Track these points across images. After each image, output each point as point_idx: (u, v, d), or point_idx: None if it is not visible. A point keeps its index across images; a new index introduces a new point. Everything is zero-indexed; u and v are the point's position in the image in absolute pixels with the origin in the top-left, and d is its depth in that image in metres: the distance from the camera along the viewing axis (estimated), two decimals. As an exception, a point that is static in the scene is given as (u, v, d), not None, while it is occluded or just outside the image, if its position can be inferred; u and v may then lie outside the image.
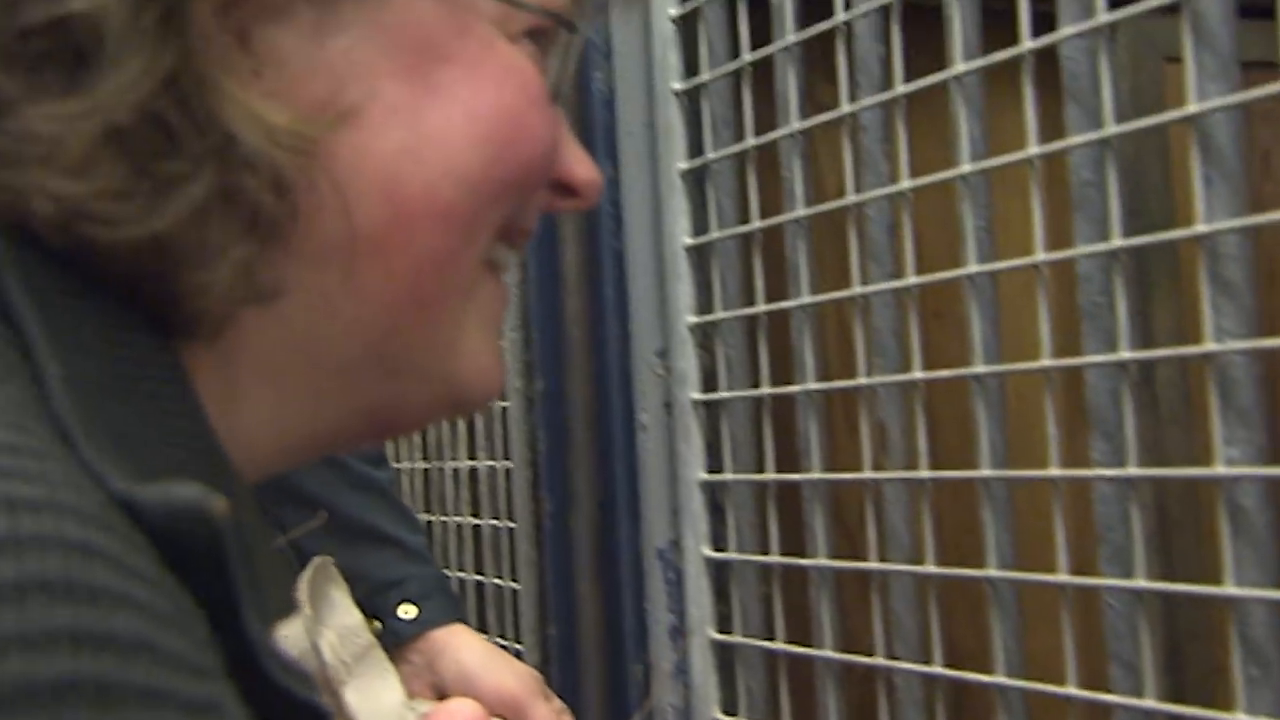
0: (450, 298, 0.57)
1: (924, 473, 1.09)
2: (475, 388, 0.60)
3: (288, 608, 0.57)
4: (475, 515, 1.77)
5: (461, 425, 1.81)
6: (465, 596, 1.78)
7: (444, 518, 1.85)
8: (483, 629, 1.73)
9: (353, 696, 0.88)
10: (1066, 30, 0.98)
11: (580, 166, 0.63)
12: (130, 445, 0.45)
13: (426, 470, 1.93)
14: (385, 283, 0.55)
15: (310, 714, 0.47)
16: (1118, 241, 0.93)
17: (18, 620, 0.34)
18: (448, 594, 1.11)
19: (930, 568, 1.08)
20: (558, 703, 1.03)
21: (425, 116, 0.54)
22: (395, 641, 1.04)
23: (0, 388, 0.41)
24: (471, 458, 1.79)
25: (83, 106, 0.47)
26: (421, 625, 1.06)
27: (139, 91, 0.47)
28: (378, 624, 1.05)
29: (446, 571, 1.83)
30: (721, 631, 1.30)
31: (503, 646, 1.64)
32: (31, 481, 0.37)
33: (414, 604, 1.06)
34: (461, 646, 1.04)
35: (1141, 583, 0.92)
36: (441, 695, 1.03)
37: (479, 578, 1.74)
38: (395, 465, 2.03)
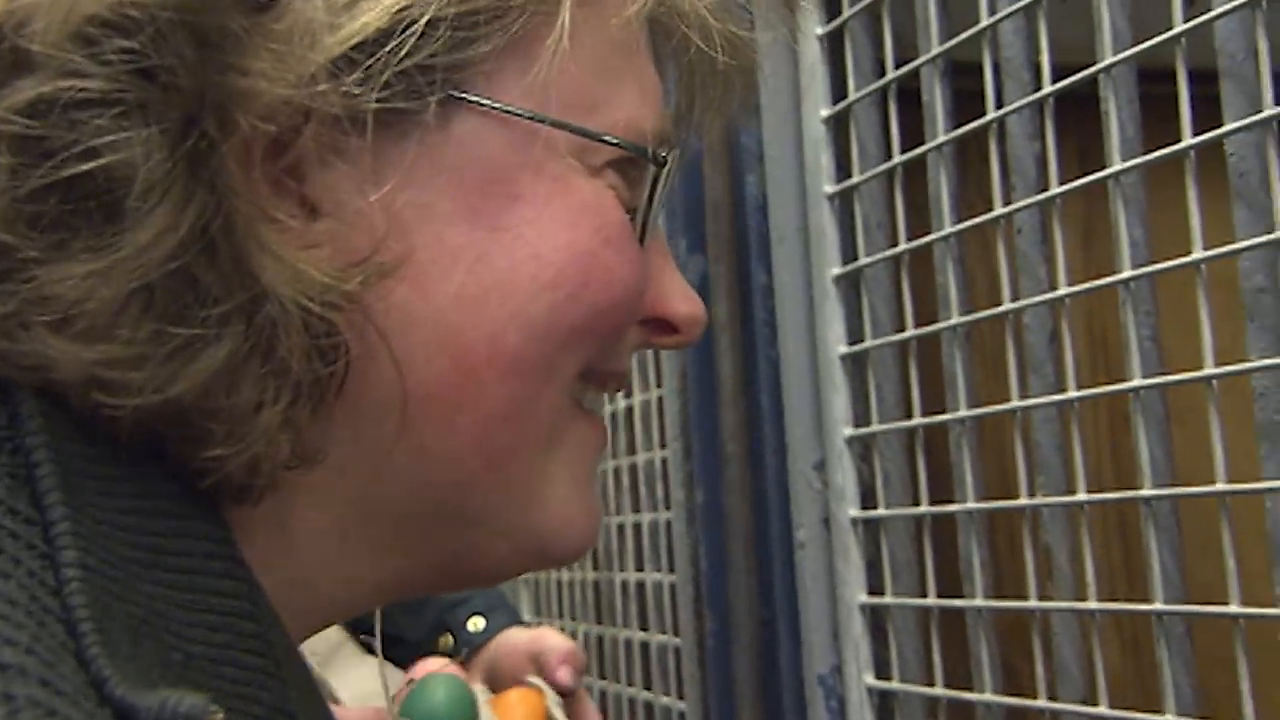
0: (525, 449, 0.52)
1: (1092, 604, 1.00)
2: (561, 540, 0.55)
3: None
4: (644, 630, 1.72)
5: (630, 537, 1.77)
6: (638, 714, 1.73)
7: (613, 630, 1.81)
8: (651, 749, 1.68)
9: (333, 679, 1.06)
10: (1231, 124, 0.90)
11: (678, 300, 0.57)
12: (157, 632, 0.42)
13: (596, 581, 1.89)
14: (448, 438, 0.51)
15: None
16: (1294, 354, 0.84)
17: None
18: (509, 606, 1.23)
19: (1103, 709, 0.99)
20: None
21: (489, 261, 0.50)
22: (469, 650, 1.17)
23: None
24: (639, 569, 1.75)
25: (102, 265, 0.44)
26: (489, 634, 1.18)
27: (164, 246, 0.43)
28: (450, 637, 1.18)
29: (616, 687, 1.79)
30: (887, 766, 1.22)
31: (670, 768, 1.59)
32: None
33: (482, 616, 1.19)
34: (516, 634, 1.18)
35: (1337, 738, 0.82)
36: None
37: (648, 695, 1.69)
38: (565, 573, 2.00)
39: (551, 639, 1.12)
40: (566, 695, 1.08)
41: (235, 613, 0.45)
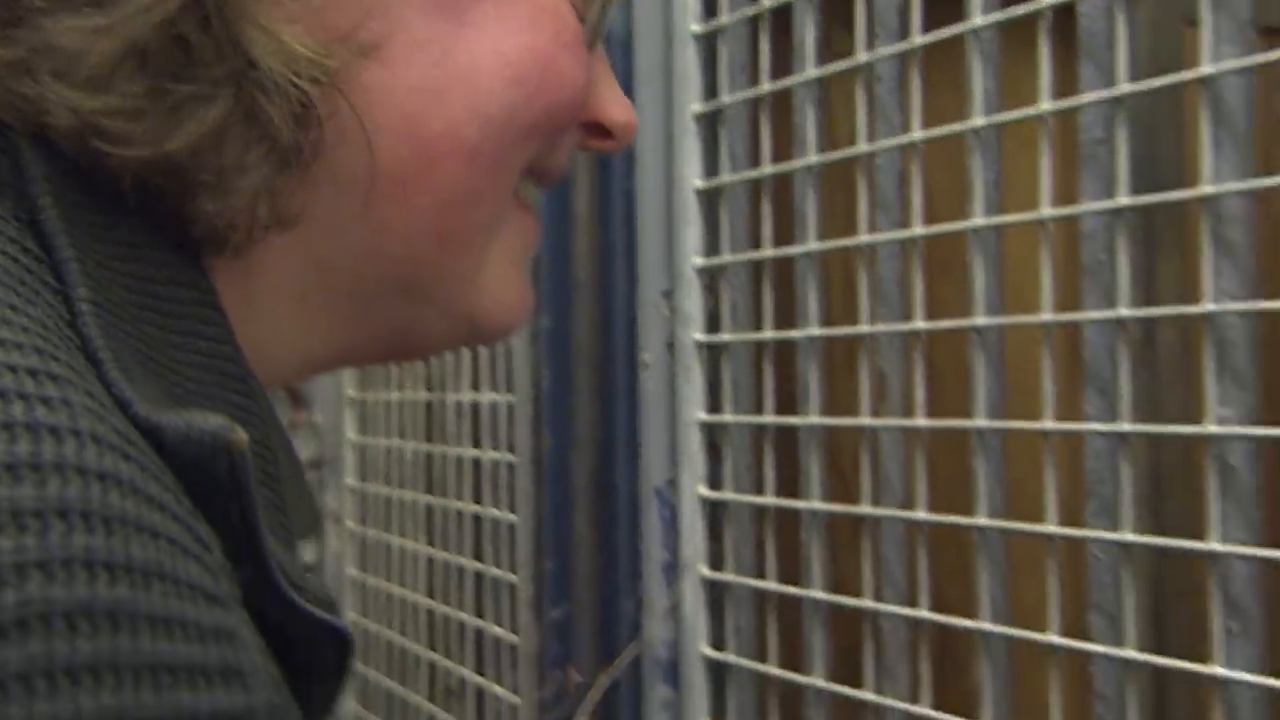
0: (474, 234, 0.58)
1: (920, 420, 1.10)
2: (496, 319, 0.61)
3: (312, 523, 0.58)
4: (476, 448, 1.78)
5: (466, 358, 1.83)
6: (464, 527, 1.81)
7: (445, 449, 1.87)
8: (478, 558, 1.75)
9: None
10: (1085, -12, 0.98)
11: (616, 108, 0.63)
12: (158, 368, 0.46)
13: (429, 402, 1.94)
14: (406, 218, 0.55)
15: (334, 636, 0.49)
16: (1123, 199, 0.94)
17: (36, 546, 0.35)
18: None
19: (921, 514, 1.10)
20: None
21: (453, 54, 0.54)
22: None
23: (28, 310, 0.42)
24: (474, 390, 1.80)
25: (105, 22, 0.47)
26: None
27: (162, 10, 0.47)
28: None
29: (443, 501, 1.86)
30: (714, 570, 1.32)
31: (496, 579, 1.67)
32: (54, 408, 0.38)
33: None
34: None
35: (1127, 535, 0.94)
36: None
37: (477, 509, 1.76)
38: (395, 394, 2.05)
39: None
40: None
41: (220, 355, 0.50)
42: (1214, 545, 0.88)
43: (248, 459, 0.42)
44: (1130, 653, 0.93)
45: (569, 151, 0.63)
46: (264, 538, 0.43)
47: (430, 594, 1.92)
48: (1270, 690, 0.86)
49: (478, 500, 1.77)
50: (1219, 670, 0.87)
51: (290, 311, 0.56)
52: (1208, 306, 0.89)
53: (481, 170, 0.56)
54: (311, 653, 0.48)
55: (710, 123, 1.37)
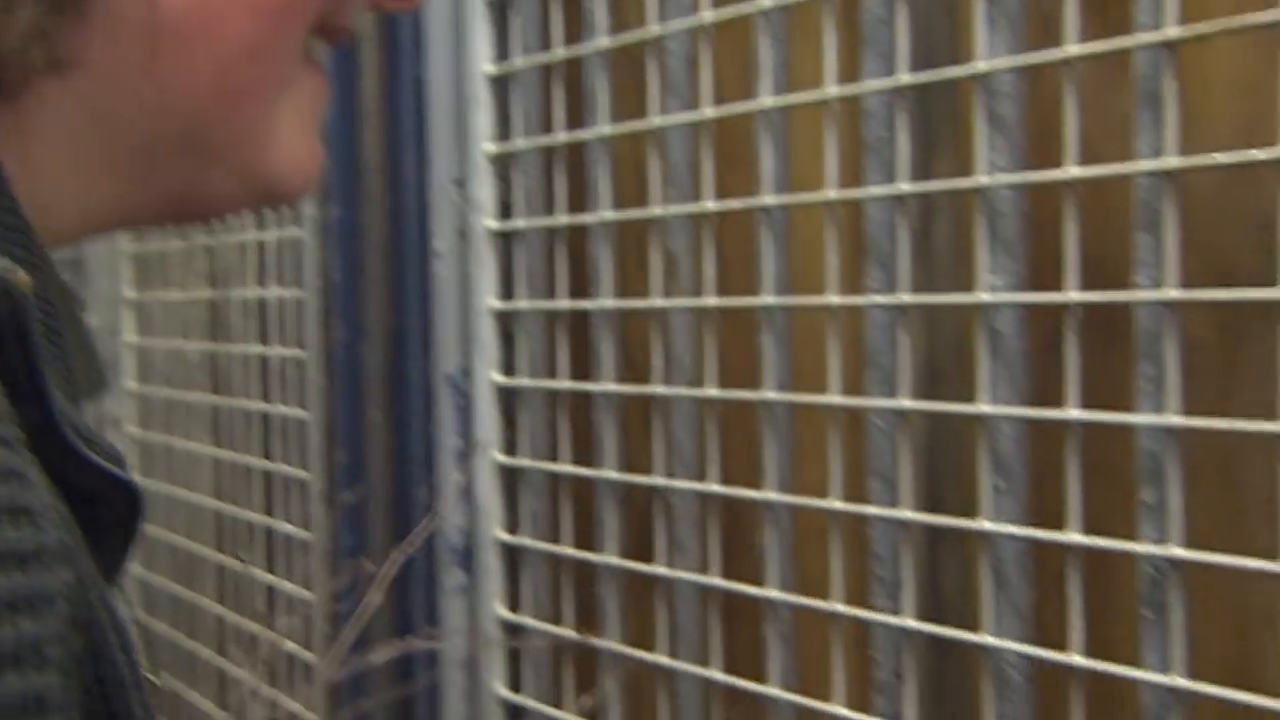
0: (261, 90, 0.56)
1: (710, 300, 1.13)
2: (287, 180, 0.59)
3: (97, 382, 0.57)
4: (264, 345, 1.75)
5: (251, 253, 1.78)
6: (252, 426, 1.77)
7: (230, 348, 1.82)
8: (268, 457, 1.72)
9: None
10: None
11: None
12: None
13: (213, 300, 1.89)
14: (188, 71, 0.54)
15: (117, 486, 0.47)
16: (904, 77, 0.97)
17: None
18: None
19: (711, 390, 1.13)
20: None
21: None
22: None
23: None
24: (260, 286, 1.76)
25: None
26: None
27: None
28: None
29: (232, 401, 1.81)
30: (507, 454, 1.33)
31: (286, 476, 1.64)
32: None
33: None
34: None
35: (904, 403, 0.98)
36: None
37: (266, 406, 1.73)
38: (178, 294, 1.99)
39: None
40: None
41: None
42: (983, 407, 0.92)
43: (29, 300, 0.41)
44: (906, 514, 0.98)
45: (358, 8, 0.62)
46: (47, 383, 0.42)
47: (218, 496, 1.88)
48: (1032, 542, 0.91)
49: (266, 398, 1.74)
50: (986, 525, 0.92)
51: (69, 165, 0.54)
52: (980, 180, 0.93)
53: (266, 23, 0.54)
54: (99, 508, 0.47)
55: (500, 7, 1.35)
